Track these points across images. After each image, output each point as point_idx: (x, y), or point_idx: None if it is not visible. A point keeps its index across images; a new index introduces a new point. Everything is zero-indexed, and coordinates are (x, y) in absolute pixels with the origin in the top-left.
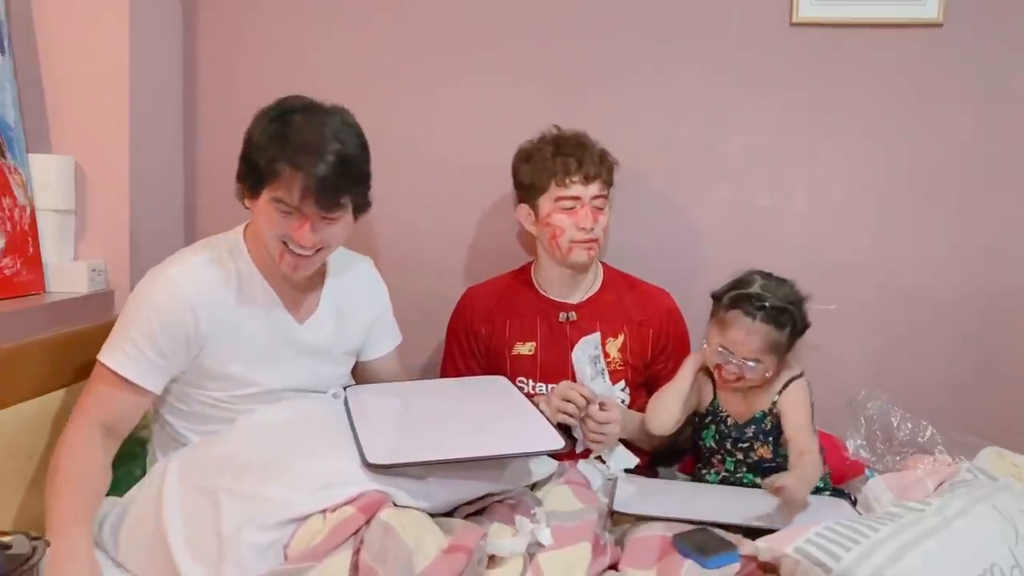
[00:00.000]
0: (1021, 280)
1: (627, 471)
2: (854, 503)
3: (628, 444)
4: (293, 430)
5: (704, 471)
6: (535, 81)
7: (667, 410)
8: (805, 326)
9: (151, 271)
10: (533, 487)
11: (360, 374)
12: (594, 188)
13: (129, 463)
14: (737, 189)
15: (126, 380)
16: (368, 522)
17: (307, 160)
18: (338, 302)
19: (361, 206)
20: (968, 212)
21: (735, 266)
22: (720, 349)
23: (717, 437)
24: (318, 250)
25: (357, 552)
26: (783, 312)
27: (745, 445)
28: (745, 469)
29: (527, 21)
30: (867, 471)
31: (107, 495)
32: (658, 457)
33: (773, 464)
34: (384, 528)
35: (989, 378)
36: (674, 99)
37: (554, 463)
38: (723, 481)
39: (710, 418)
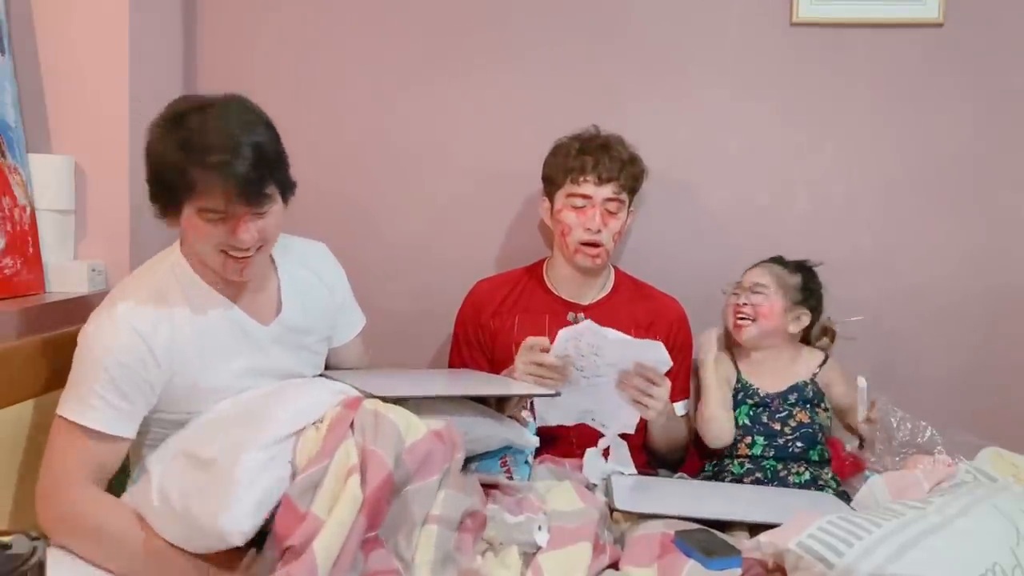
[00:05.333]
0: (1021, 280)
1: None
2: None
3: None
4: (268, 393)
5: (728, 461)
6: (537, 82)
7: (717, 423)
8: (819, 288)
9: (96, 312)
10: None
11: (329, 360)
12: (607, 190)
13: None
14: (737, 189)
15: (99, 432)
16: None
17: (220, 160)
18: (299, 292)
19: (287, 188)
20: (968, 212)
21: (735, 266)
22: (734, 292)
23: (751, 413)
24: (259, 247)
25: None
26: (794, 263)
27: (783, 413)
28: (773, 452)
29: (528, 23)
30: (867, 472)
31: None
32: (663, 462)
33: (809, 430)
34: (372, 413)
35: (989, 378)
36: (674, 99)
37: (535, 440)
38: (746, 473)
39: (741, 395)
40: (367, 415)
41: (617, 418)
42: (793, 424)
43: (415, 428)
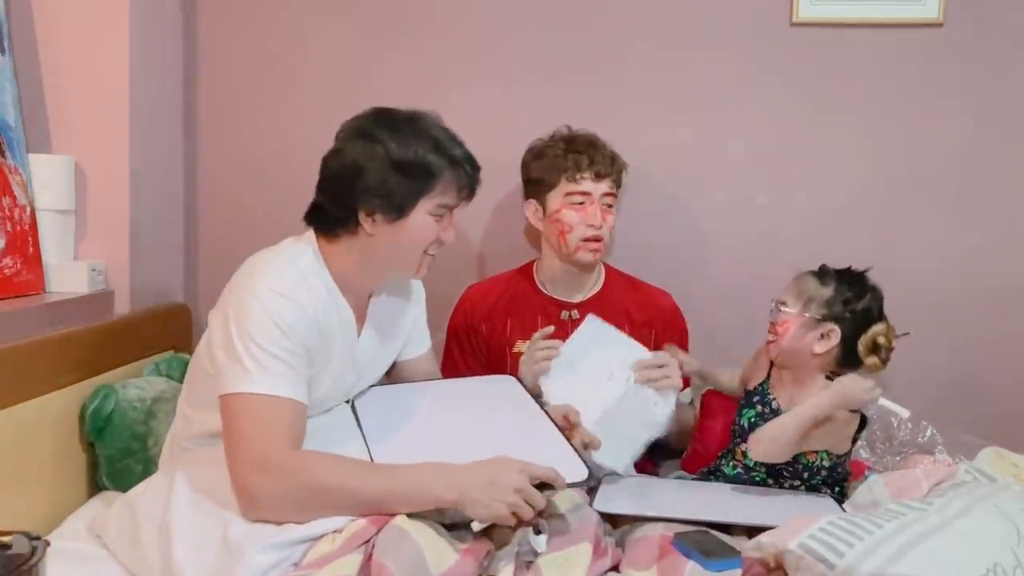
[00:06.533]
0: (1021, 280)
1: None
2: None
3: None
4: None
5: (723, 461)
6: (538, 81)
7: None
8: (859, 301)
9: (254, 287)
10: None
11: (396, 375)
12: (604, 186)
13: (128, 458)
14: (737, 189)
15: (278, 398)
16: (379, 531)
17: (459, 155)
18: (381, 313)
19: None
20: (968, 212)
21: (735, 265)
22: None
23: (755, 420)
24: None
25: (369, 557)
26: (834, 271)
27: None
28: (764, 469)
29: (529, 21)
30: (867, 472)
31: (109, 489)
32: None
33: (792, 468)
34: (397, 531)
35: (989, 378)
36: (674, 99)
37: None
38: (735, 479)
39: (757, 397)
40: (392, 531)
41: (640, 419)
42: None
43: (444, 555)
